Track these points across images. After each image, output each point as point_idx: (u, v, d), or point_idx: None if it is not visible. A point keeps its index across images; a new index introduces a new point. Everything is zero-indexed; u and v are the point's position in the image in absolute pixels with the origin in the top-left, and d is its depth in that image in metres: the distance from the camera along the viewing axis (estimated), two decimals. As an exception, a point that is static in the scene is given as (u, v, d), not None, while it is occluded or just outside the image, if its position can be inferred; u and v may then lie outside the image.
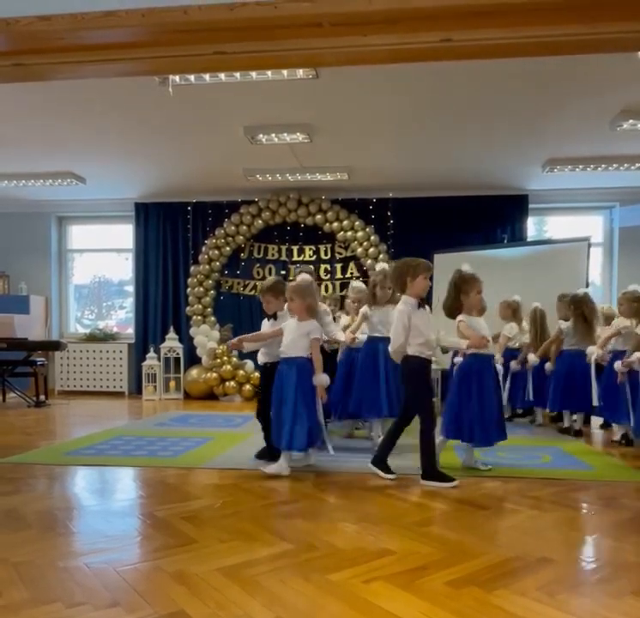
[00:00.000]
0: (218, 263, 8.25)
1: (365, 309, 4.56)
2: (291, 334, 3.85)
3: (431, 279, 3.84)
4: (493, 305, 5.96)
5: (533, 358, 5.75)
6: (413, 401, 3.67)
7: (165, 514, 2.92)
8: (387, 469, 3.71)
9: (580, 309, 5.26)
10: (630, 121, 5.36)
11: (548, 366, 5.59)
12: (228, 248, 8.24)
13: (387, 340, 4.39)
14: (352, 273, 8.14)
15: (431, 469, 3.58)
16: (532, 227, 8.32)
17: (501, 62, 3.94)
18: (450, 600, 1.96)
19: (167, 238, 8.56)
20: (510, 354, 5.93)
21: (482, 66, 4.25)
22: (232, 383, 7.96)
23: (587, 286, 6.48)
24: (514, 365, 5.89)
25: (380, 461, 3.74)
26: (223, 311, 8.29)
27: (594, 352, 4.93)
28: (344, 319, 5.19)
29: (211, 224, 8.33)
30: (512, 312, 6.09)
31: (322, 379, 3.78)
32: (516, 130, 5.81)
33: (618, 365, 4.58)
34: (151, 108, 5.25)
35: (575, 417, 5.41)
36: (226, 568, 2.23)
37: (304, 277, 3.98)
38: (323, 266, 8.20)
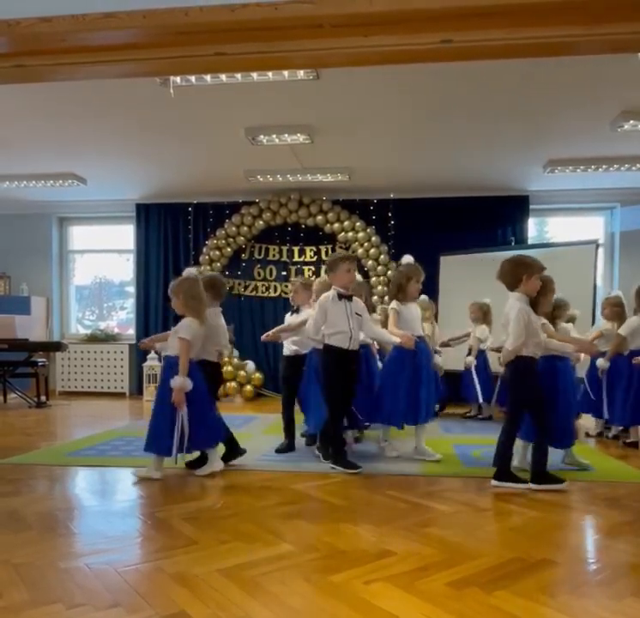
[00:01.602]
0: (219, 264, 8.25)
1: (395, 304, 4.21)
2: None
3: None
4: (501, 309, 6.09)
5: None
6: (519, 404, 3.53)
7: (165, 515, 2.92)
8: (516, 478, 3.51)
9: None
10: (631, 122, 5.35)
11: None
12: (229, 249, 8.24)
13: (419, 339, 4.22)
14: (353, 274, 8.14)
15: (504, 470, 3.53)
16: (533, 227, 8.31)
17: (502, 63, 3.94)
18: (451, 601, 1.96)
19: (168, 238, 8.56)
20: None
21: (483, 67, 4.25)
22: (233, 384, 7.96)
23: (594, 289, 6.49)
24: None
25: (505, 473, 3.53)
26: (223, 311, 8.27)
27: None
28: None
29: (212, 225, 8.34)
30: (483, 314, 6.30)
31: (177, 382, 3.50)
32: (516, 131, 5.81)
33: (600, 362, 5.12)
34: (152, 109, 5.25)
35: None
36: (227, 569, 2.23)
37: (187, 271, 3.81)
38: (323, 267, 8.19)
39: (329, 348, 3.90)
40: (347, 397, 3.97)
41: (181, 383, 3.51)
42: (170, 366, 3.62)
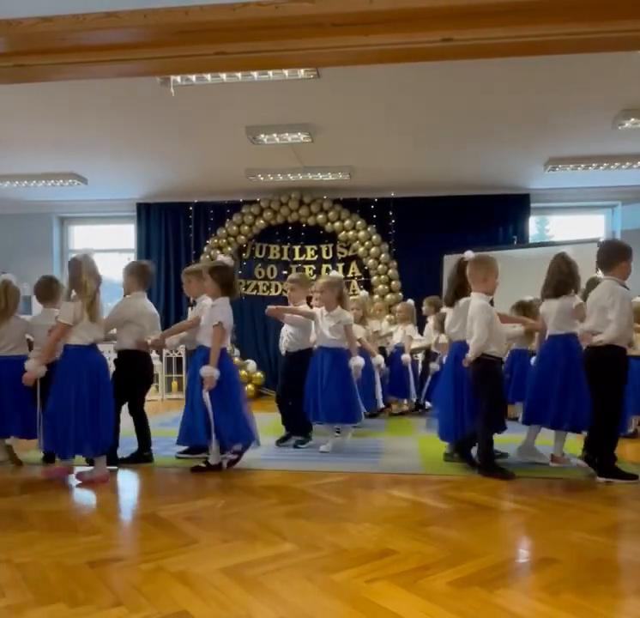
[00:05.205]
0: (219, 263, 8.24)
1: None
2: None
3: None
4: (505, 308, 6.23)
5: None
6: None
7: (167, 514, 2.92)
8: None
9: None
10: (632, 120, 5.35)
11: None
12: (230, 248, 8.23)
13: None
14: (354, 273, 8.15)
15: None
16: (534, 226, 8.31)
17: (503, 61, 3.93)
18: (453, 600, 1.96)
19: (169, 238, 8.57)
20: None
21: (484, 65, 4.25)
22: (234, 383, 7.95)
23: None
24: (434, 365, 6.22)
25: None
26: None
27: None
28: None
29: (213, 224, 8.34)
30: (411, 314, 6.71)
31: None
32: (517, 130, 5.81)
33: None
34: (152, 108, 5.25)
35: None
36: (229, 568, 2.23)
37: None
38: (324, 266, 8.20)
39: (614, 349, 3.57)
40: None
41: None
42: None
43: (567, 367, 3.81)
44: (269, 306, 4.69)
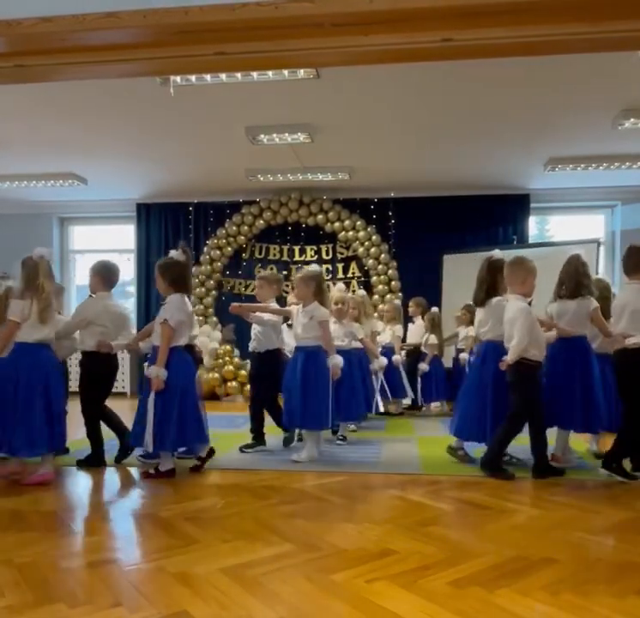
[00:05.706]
0: (219, 264, 8.25)
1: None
2: None
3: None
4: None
5: None
6: None
7: (167, 514, 2.92)
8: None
9: None
10: (632, 120, 5.35)
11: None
12: (230, 248, 8.24)
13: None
14: (353, 273, 8.14)
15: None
16: (534, 226, 8.31)
17: (502, 61, 3.93)
18: (453, 600, 1.96)
19: (169, 238, 8.56)
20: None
21: (484, 65, 4.24)
22: (234, 383, 7.96)
23: None
24: (423, 365, 6.36)
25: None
26: (225, 311, 8.23)
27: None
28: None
29: (212, 224, 8.34)
30: (398, 314, 6.68)
31: None
32: (517, 129, 5.80)
33: None
34: (152, 109, 5.25)
35: None
36: (229, 568, 2.23)
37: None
38: (324, 266, 8.19)
39: None
40: None
41: None
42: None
43: (586, 370, 3.85)
44: (233, 304, 4.47)
